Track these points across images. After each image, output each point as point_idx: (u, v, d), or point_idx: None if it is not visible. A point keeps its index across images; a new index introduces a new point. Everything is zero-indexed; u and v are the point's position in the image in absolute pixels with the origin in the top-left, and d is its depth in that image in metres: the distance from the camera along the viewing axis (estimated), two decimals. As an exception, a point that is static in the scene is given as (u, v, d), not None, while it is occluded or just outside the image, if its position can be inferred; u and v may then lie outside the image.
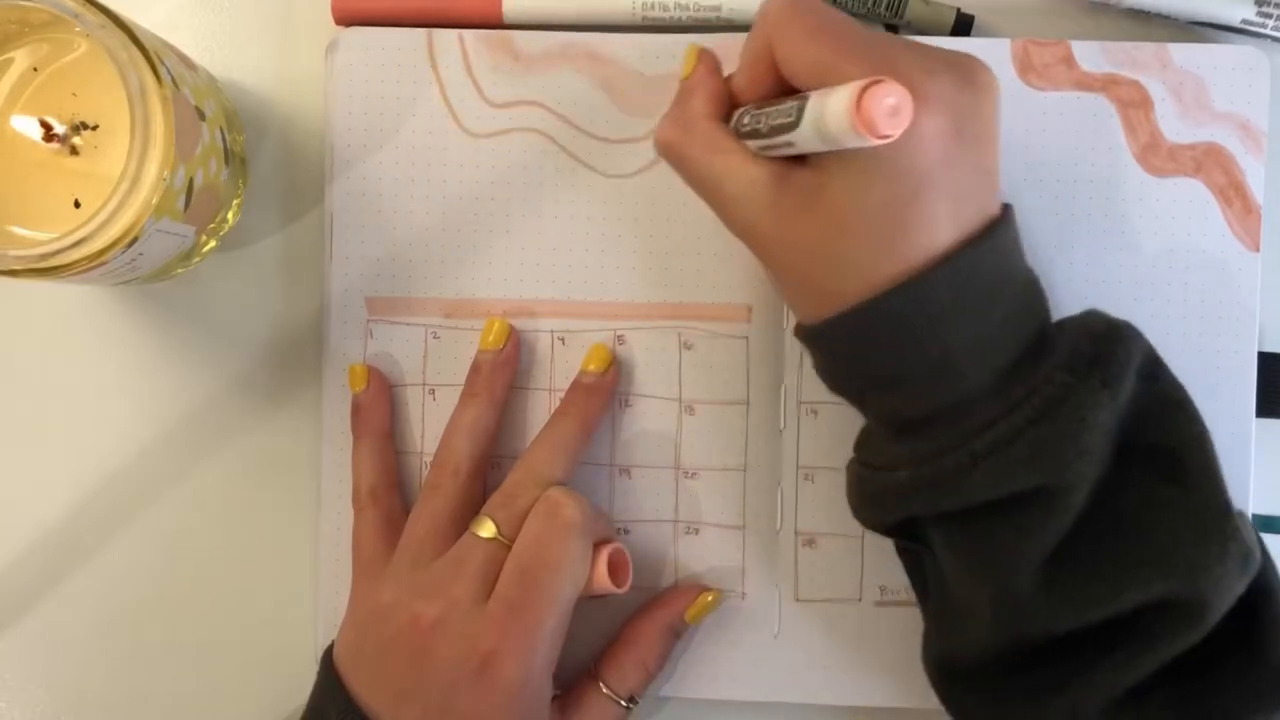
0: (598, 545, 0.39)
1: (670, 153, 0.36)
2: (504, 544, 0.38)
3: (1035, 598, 0.34)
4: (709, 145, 0.35)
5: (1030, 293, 0.35)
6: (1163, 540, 0.33)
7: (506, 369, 0.42)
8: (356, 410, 0.42)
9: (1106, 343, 0.34)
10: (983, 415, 0.33)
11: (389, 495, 0.42)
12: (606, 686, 0.41)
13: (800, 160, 0.34)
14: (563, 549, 0.38)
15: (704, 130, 0.35)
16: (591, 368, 0.42)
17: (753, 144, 0.34)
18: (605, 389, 0.42)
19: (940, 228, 0.32)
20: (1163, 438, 0.34)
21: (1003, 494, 0.33)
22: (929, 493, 0.34)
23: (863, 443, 0.38)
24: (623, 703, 0.41)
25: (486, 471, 0.42)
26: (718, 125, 0.35)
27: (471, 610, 0.37)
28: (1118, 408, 0.33)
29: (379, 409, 0.42)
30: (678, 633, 0.42)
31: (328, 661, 0.39)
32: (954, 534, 0.35)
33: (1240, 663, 0.34)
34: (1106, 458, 0.34)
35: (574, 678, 0.41)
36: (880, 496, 0.36)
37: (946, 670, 0.38)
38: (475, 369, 0.42)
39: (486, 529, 0.38)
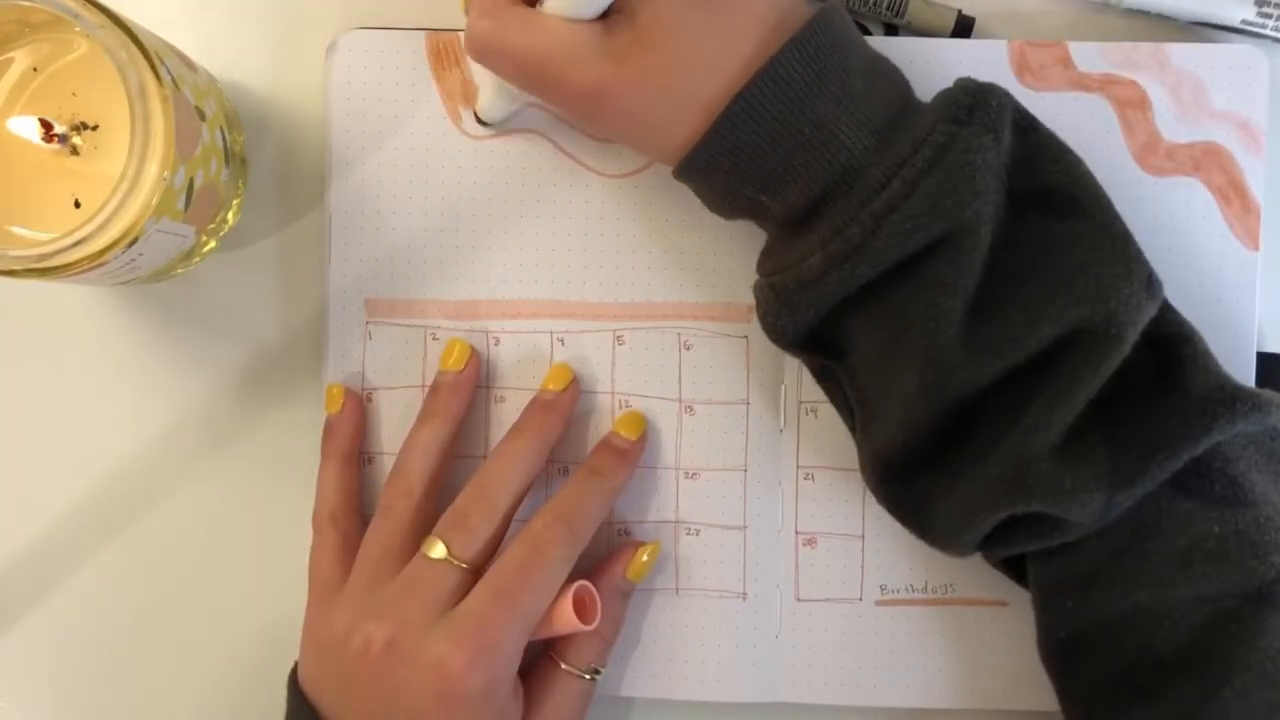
0: (565, 583, 0.39)
1: (490, 45, 0.36)
2: (455, 565, 0.38)
3: (958, 353, 0.35)
4: (526, 23, 0.35)
5: (885, 63, 0.36)
6: (1069, 270, 0.35)
7: (465, 390, 0.42)
8: (328, 430, 0.43)
9: (980, 94, 0.35)
10: (874, 177, 0.34)
11: (348, 519, 0.42)
12: (566, 663, 0.41)
13: (606, 14, 0.35)
14: (544, 579, 0.38)
15: (515, 13, 0.36)
16: (551, 386, 0.42)
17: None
18: (563, 407, 0.42)
19: (762, 4, 0.34)
20: (1051, 179, 0.36)
21: (910, 250, 0.34)
22: (841, 270, 0.35)
23: (765, 261, 0.38)
24: (585, 676, 0.41)
25: (441, 491, 0.41)
26: (523, 5, 0.36)
27: (424, 630, 0.37)
28: (1002, 152, 0.35)
29: (349, 431, 0.42)
30: (625, 594, 0.42)
31: (296, 689, 0.40)
32: (874, 311, 0.36)
33: (1165, 397, 0.35)
34: (1001, 203, 0.35)
35: (533, 660, 0.41)
36: (794, 295, 0.36)
37: (883, 469, 0.38)
38: (434, 389, 0.42)
39: (437, 550, 0.38)
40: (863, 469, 0.39)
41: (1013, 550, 0.38)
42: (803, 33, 0.34)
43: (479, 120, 0.42)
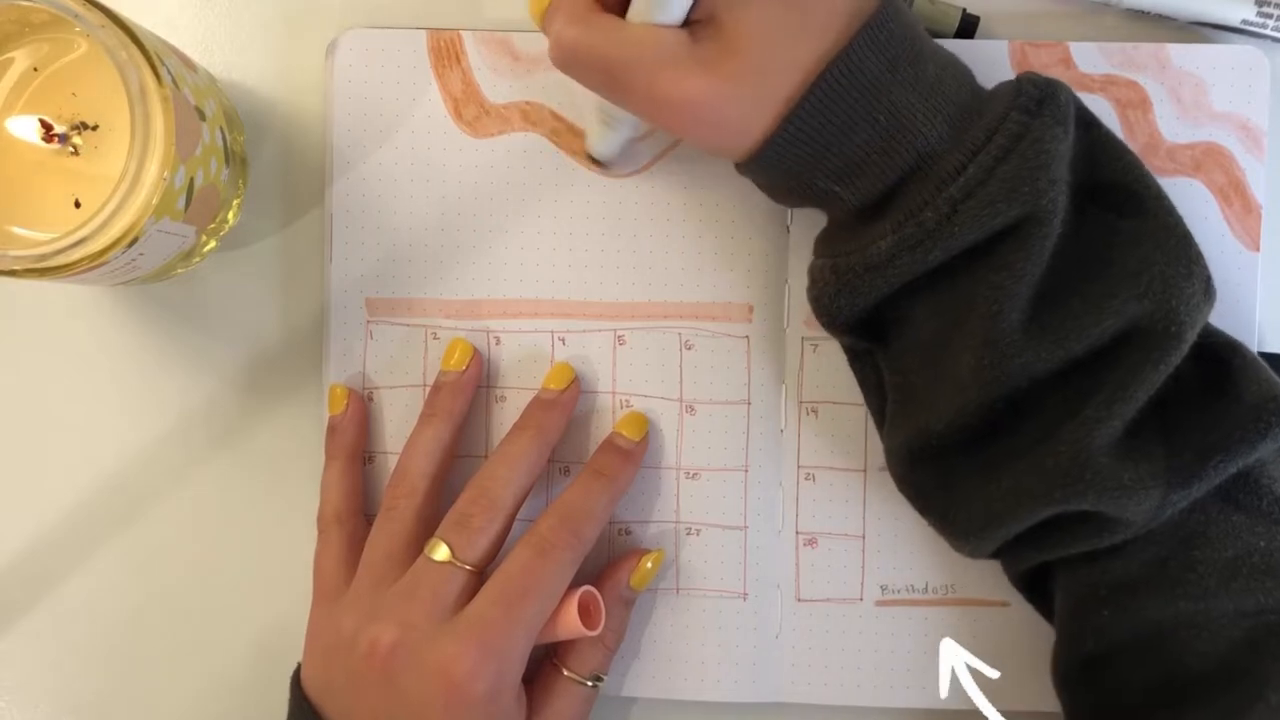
0: (570, 588, 0.39)
1: (577, 51, 0.35)
2: (459, 567, 0.38)
3: (1018, 338, 0.35)
4: (613, 31, 0.35)
5: (949, 54, 0.36)
6: (1133, 265, 0.35)
7: (467, 390, 0.42)
8: (331, 431, 0.43)
9: (1048, 87, 0.35)
10: (949, 164, 0.34)
11: (353, 519, 0.42)
12: (568, 670, 0.41)
13: (688, 22, 0.35)
14: (549, 584, 0.38)
15: (601, 20, 0.35)
16: (552, 385, 0.42)
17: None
18: (565, 406, 0.42)
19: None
20: (1113, 176, 0.36)
21: (986, 233, 0.34)
22: (913, 253, 0.35)
23: (827, 241, 0.38)
24: (588, 683, 0.41)
25: (443, 491, 0.41)
26: (607, 13, 0.35)
27: (430, 633, 0.37)
28: (1069, 144, 0.35)
29: (353, 432, 0.43)
30: (628, 602, 0.42)
31: (299, 690, 0.40)
32: (936, 294, 0.36)
33: (1217, 403, 0.35)
34: (1067, 195, 0.35)
35: (536, 667, 0.41)
36: (858, 278, 0.36)
37: (915, 454, 0.37)
38: (435, 389, 0.42)
39: (440, 552, 0.38)
40: (890, 455, 0.39)
41: (1053, 554, 0.37)
42: (874, 19, 0.34)
43: (591, 159, 0.42)
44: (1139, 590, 0.36)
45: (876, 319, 0.38)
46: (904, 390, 0.38)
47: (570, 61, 0.36)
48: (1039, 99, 0.35)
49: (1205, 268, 0.35)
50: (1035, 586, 0.40)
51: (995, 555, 0.38)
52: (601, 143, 0.41)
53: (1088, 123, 0.36)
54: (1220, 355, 0.36)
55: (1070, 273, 0.35)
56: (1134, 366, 0.34)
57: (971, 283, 0.35)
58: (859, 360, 0.40)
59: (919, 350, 0.37)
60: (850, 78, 0.34)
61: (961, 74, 0.36)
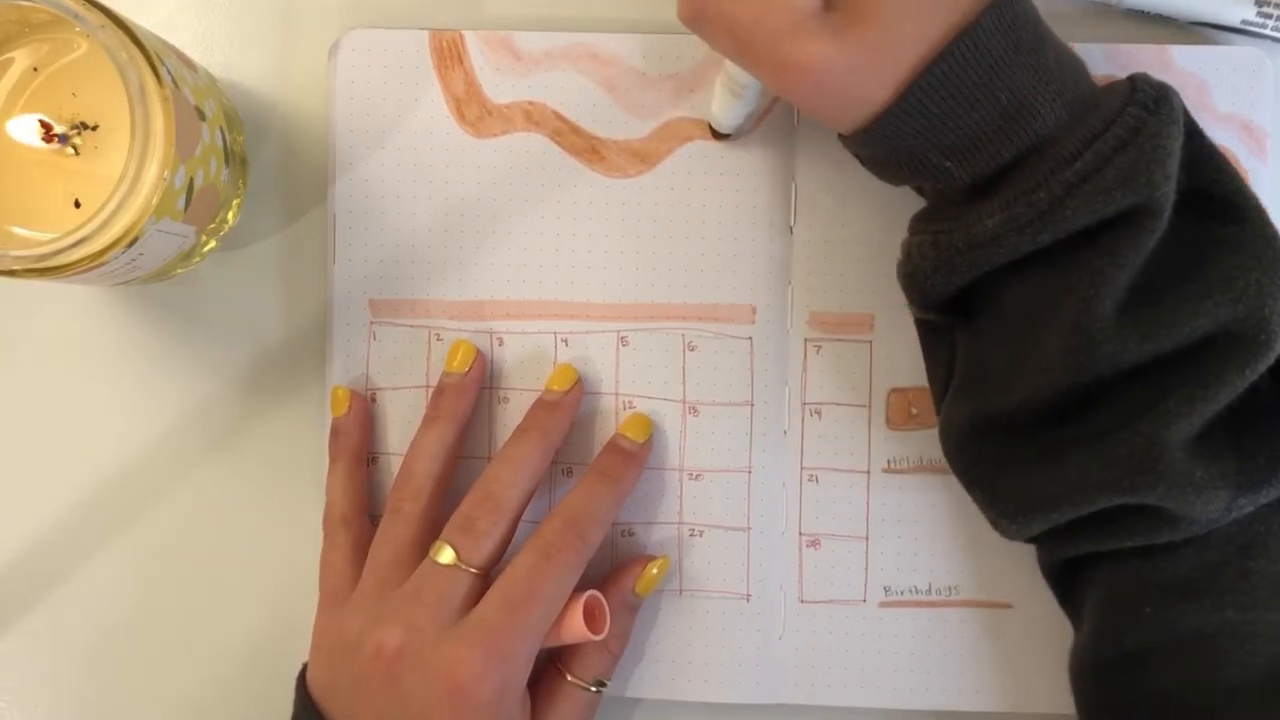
0: (575, 592, 0.39)
1: (706, 9, 0.35)
2: (464, 570, 0.38)
3: (1109, 327, 0.35)
4: None
5: (1065, 44, 0.36)
6: (1229, 270, 0.35)
7: (470, 392, 0.42)
8: (335, 433, 0.42)
9: (1162, 89, 0.35)
10: (1066, 149, 0.34)
11: (359, 521, 0.42)
12: (572, 675, 0.41)
13: None
14: (555, 588, 0.38)
15: None
16: (555, 386, 0.42)
17: None
18: (568, 407, 0.42)
19: None
20: (1213, 186, 0.36)
21: (1098, 218, 0.34)
22: (1021, 234, 0.35)
23: (927, 218, 0.38)
24: (591, 688, 0.41)
25: (447, 492, 0.41)
26: None
27: (435, 637, 0.37)
28: (1180, 146, 0.35)
29: (357, 434, 0.42)
30: (633, 608, 0.42)
31: (304, 691, 0.40)
32: (1037, 274, 0.36)
33: None
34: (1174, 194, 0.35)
35: (539, 671, 0.41)
36: (959, 255, 0.36)
37: (975, 429, 0.37)
38: (439, 391, 0.42)
39: (445, 555, 0.38)
40: (946, 426, 0.38)
41: (1107, 545, 0.37)
42: (1001, 3, 0.34)
43: (715, 134, 0.42)
44: (1189, 592, 0.36)
45: (964, 295, 0.37)
46: (979, 366, 0.38)
47: (698, 17, 0.35)
48: (1155, 98, 0.35)
49: None
50: (1064, 578, 0.39)
51: (1034, 540, 0.38)
52: (726, 114, 0.41)
53: (1190, 132, 0.36)
54: None
55: (1166, 272, 0.35)
56: (1219, 369, 0.34)
57: (1072, 266, 0.35)
58: (935, 334, 0.40)
59: (1005, 328, 0.37)
60: (975, 54, 0.34)
61: (1077, 64, 0.36)
